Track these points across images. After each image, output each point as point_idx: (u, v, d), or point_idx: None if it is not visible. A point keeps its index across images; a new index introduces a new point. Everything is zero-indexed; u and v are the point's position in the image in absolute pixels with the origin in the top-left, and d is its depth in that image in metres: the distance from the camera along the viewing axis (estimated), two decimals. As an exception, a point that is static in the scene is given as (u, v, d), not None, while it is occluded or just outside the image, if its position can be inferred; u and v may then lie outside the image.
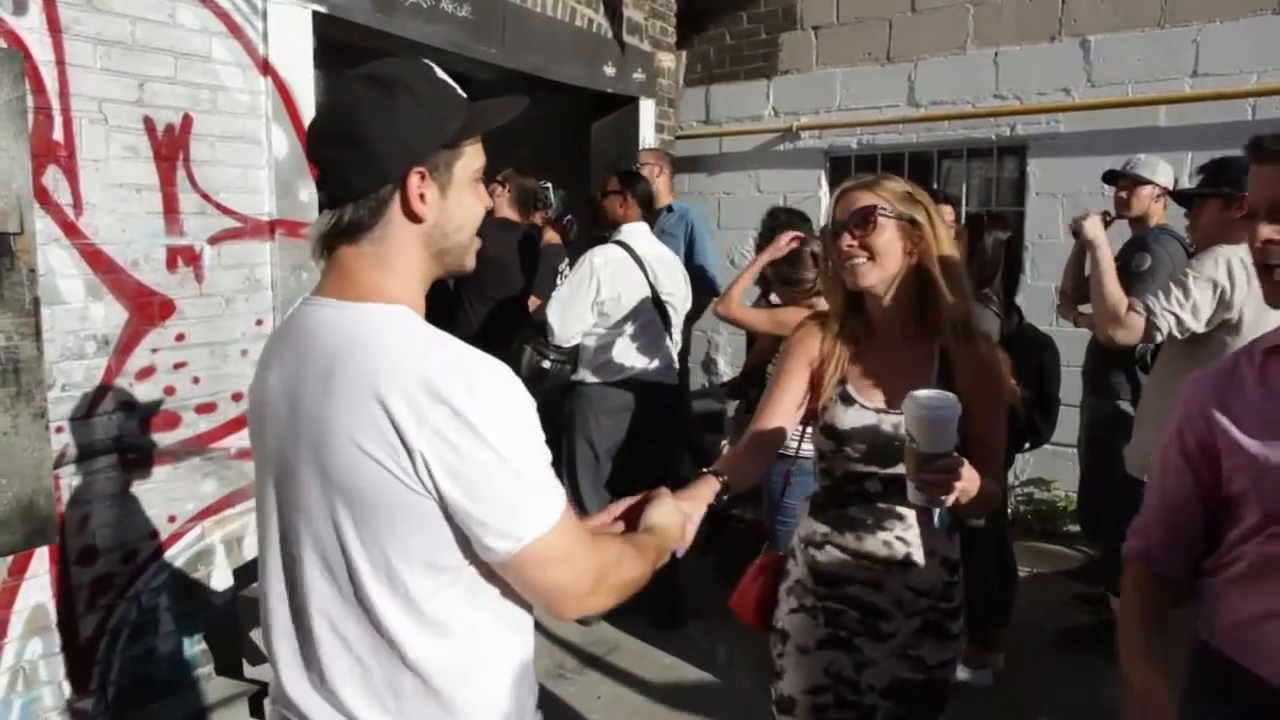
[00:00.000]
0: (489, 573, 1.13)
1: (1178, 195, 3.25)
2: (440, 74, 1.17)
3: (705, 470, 1.79)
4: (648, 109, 5.72)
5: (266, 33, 3.22)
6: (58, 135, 2.67)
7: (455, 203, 1.17)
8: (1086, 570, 4.36)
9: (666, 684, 3.44)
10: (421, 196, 1.12)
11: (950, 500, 1.53)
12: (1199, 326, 2.62)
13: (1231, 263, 2.57)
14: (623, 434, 3.80)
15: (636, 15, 5.60)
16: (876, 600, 1.80)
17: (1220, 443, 1.38)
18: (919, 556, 1.80)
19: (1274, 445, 1.30)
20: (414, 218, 1.13)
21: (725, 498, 1.74)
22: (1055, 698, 3.30)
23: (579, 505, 3.82)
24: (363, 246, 1.14)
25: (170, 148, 2.96)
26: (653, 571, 1.30)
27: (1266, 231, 1.32)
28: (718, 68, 6.33)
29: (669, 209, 4.76)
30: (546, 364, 3.70)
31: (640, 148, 5.54)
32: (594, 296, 3.67)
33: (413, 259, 1.16)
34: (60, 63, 2.66)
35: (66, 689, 2.79)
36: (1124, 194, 3.59)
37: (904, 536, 1.80)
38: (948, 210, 4.39)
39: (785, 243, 3.22)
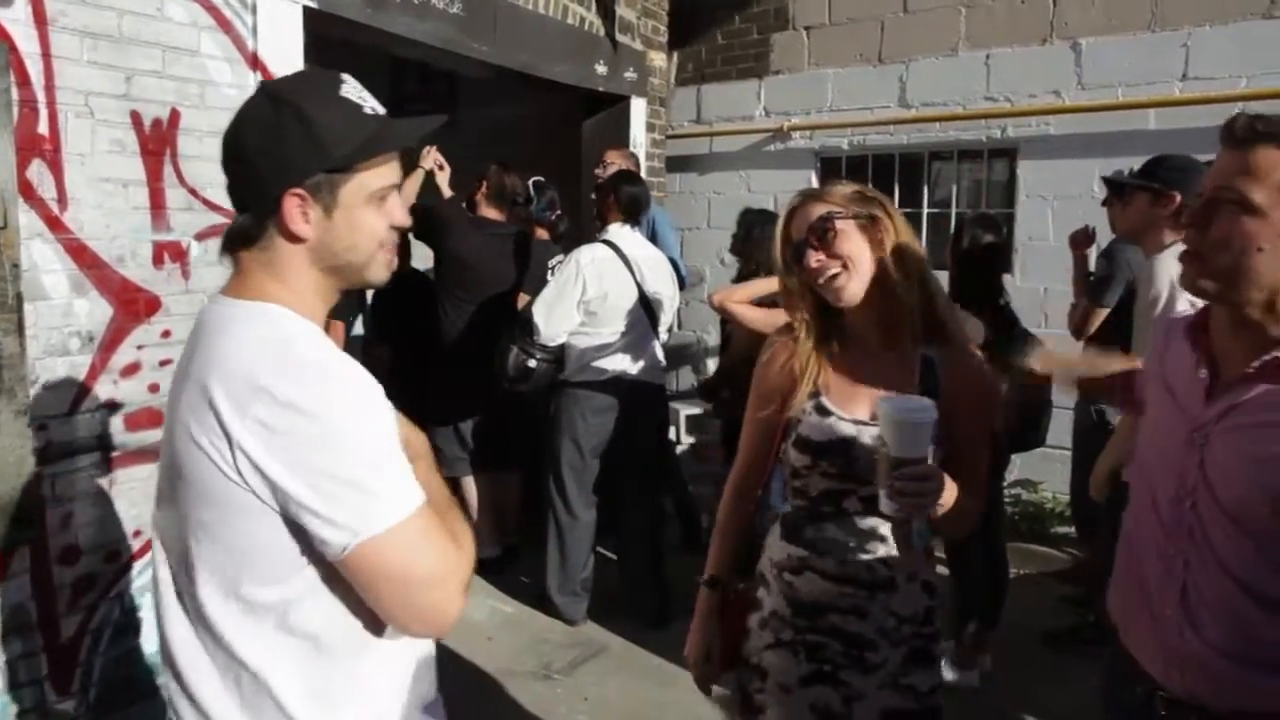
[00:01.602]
0: (334, 574, 1.10)
1: (1110, 183, 3.31)
2: (347, 91, 1.16)
3: (701, 582, 1.84)
4: (639, 108, 5.70)
5: (256, 27, 3.19)
6: (43, 129, 2.63)
7: (343, 224, 1.15)
8: (1073, 572, 4.37)
9: (654, 685, 3.43)
10: (305, 216, 1.13)
11: (925, 512, 1.47)
12: None
13: (1174, 277, 2.45)
14: (609, 434, 3.78)
15: (629, 14, 5.58)
16: (861, 630, 1.68)
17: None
18: (901, 581, 1.70)
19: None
20: (293, 237, 1.14)
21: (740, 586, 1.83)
22: (1041, 699, 3.30)
23: (565, 506, 3.81)
24: (254, 253, 1.16)
25: (157, 142, 2.93)
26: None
27: (1191, 216, 1.32)
28: (709, 67, 6.32)
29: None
30: (532, 363, 3.69)
31: (630, 146, 5.53)
32: (580, 295, 3.66)
33: (301, 273, 1.17)
34: (46, 55, 2.62)
35: (48, 690, 2.75)
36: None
37: (887, 559, 1.69)
38: None
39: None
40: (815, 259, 1.63)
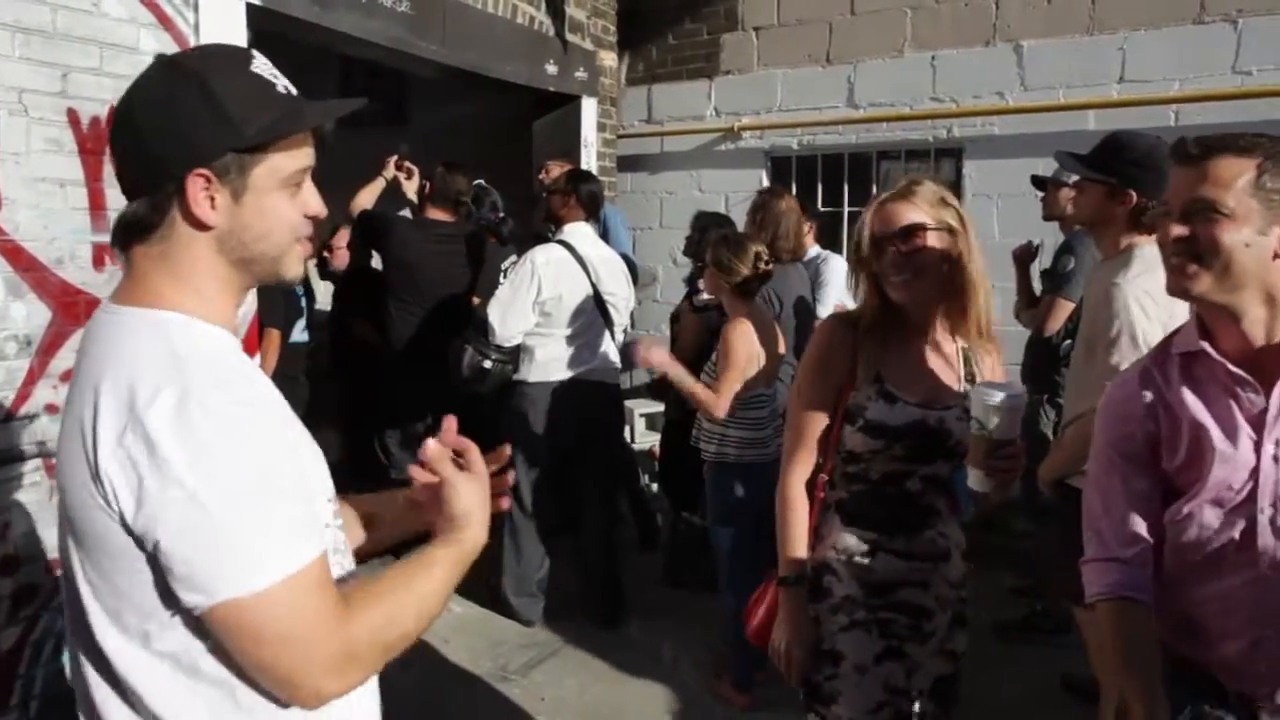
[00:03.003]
0: None
1: (1043, 175, 3.52)
2: (257, 67, 1.05)
3: (781, 581, 1.87)
4: (589, 108, 5.70)
5: (198, 25, 3.13)
6: (-26, 127, 2.56)
7: (253, 210, 1.03)
8: (1022, 562, 4.46)
9: (611, 684, 3.43)
10: (212, 201, 1.00)
11: (1011, 488, 1.63)
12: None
13: (1136, 308, 2.30)
14: (564, 434, 3.78)
15: (579, 14, 5.58)
16: (924, 601, 1.82)
17: (1179, 436, 1.46)
18: (953, 551, 1.86)
19: (1224, 439, 1.41)
20: (198, 224, 1.01)
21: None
22: (991, 689, 3.37)
23: (520, 507, 3.79)
24: (152, 246, 1.03)
25: (96, 141, 2.86)
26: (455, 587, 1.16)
27: (1177, 230, 1.40)
28: (660, 67, 6.34)
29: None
30: (488, 364, 3.68)
31: (581, 146, 5.53)
32: (535, 296, 3.65)
33: (205, 266, 1.04)
34: (-24, 51, 2.55)
35: (-14, 704, 2.68)
36: (1047, 197, 3.75)
37: (944, 531, 1.84)
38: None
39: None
40: (895, 260, 1.74)
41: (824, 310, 4.10)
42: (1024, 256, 3.91)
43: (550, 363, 3.75)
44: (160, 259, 1.03)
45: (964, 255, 1.75)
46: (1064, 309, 3.49)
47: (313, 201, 1.09)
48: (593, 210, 3.88)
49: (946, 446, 1.80)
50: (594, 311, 3.78)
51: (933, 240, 1.74)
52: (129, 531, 0.92)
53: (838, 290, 4.32)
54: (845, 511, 1.85)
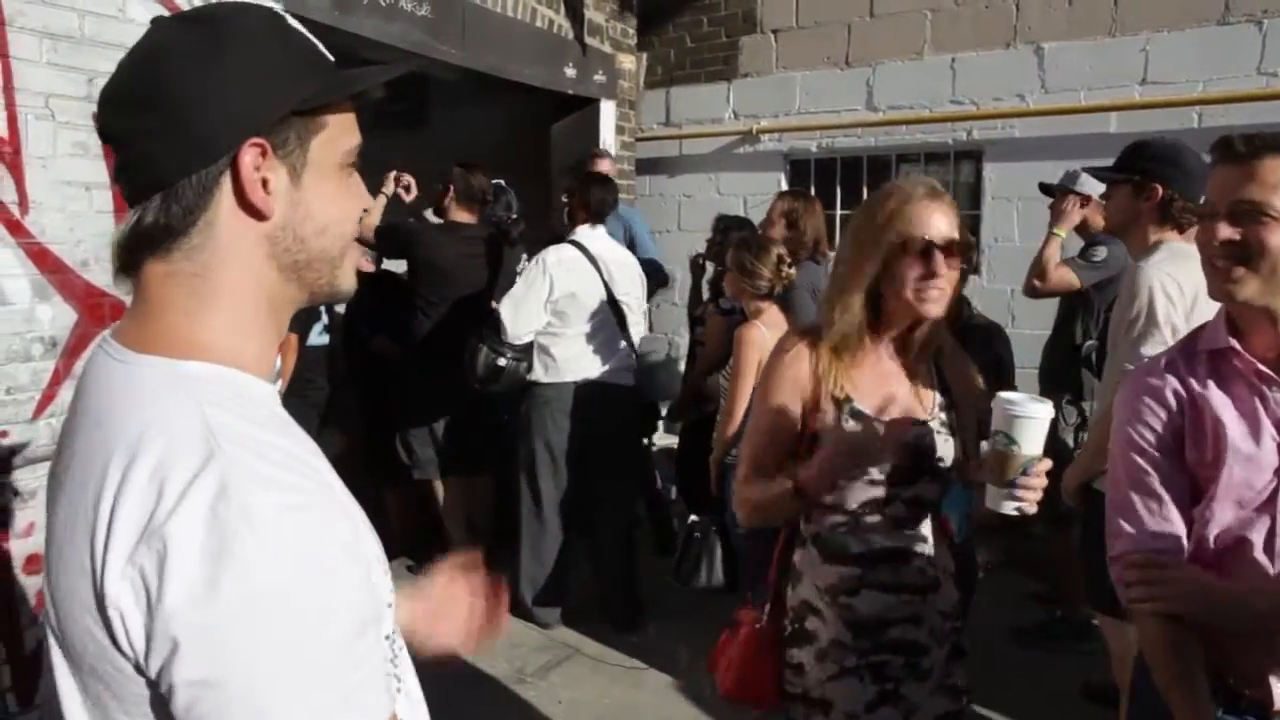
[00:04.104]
0: None
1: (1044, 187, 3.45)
2: (294, 23, 0.85)
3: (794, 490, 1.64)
4: (608, 110, 5.71)
5: (220, 29, 3.16)
6: (2, 131, 2.59)
7: (314, 193, 0.82)
8: (1041, 567, 4.43)
9: (628, 687, 3.43)
10: (264, 183, 0.78)
11: (1035, 507, 1.48)
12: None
13: (1159, 290, 2.35)
14: (579, 436, 3.79)
15: (597, 17, 5.59)
16: (917, 637, 1.68)
17: (1202, 432, 1.42)
18: (943, 578, 1.72)
19: (1248, 438, 1.38)
20: (253, 212, 0.79)
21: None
22: (1009, 695, 3.34)
23: (537, 509, 3.80)
24: (175, 263, 0.78)
25: (120, 145, 2.89)
26: None
27: (1225, 232, 1.35)
28: (678, 70, 6.34)
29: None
30: (501, 362, 3.71)
31: (599, 148, 5.53)
32: (547, 295, 3.68)
33: (251, 281, 0.81)
34: (4, 56, 2.58)
35: (10, 702, 2.70)
36: (1055, 204, 3.72)
37: (932, 559, 1.69)
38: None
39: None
40: (943, 270, 1.57)
41: None
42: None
43: (564, 363, 3.76)
44: (189, 280, 0.79)
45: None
46: (1068, 278, 3.44)
47: (363, 192, 0.89)
48: (597, 215, 3.88)
49: (929, 465, 1.65)
50: (607, 312, 3.79)
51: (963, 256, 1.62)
52: (141, 672, 0.70)
53: None
54: (823, 547, 1.69)
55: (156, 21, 0.80)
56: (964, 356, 1.78)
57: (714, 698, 3.32)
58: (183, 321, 0.79)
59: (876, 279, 1.61)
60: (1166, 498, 1.43)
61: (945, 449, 1.66)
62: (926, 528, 1.70)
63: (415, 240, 4.18)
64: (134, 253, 0.79)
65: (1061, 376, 3.69)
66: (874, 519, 1.66)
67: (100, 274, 2.86)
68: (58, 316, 2.76)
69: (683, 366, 5.32)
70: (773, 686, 1.76)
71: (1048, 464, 1.47)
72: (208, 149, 0.76)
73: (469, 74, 4.61)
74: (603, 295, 3.76)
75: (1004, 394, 1.48)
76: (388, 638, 0.85)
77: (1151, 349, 2.26)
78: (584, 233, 3.84)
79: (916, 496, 1.66)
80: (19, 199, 2.64)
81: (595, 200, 3.86)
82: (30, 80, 2.64)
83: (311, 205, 0.82)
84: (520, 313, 3.67)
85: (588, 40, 5.42)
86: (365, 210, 0.91)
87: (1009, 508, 1.48)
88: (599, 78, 5.56)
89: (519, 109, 5.62)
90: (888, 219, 1.60)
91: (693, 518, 3.68)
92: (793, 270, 3.20)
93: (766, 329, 3.13)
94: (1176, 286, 2.25)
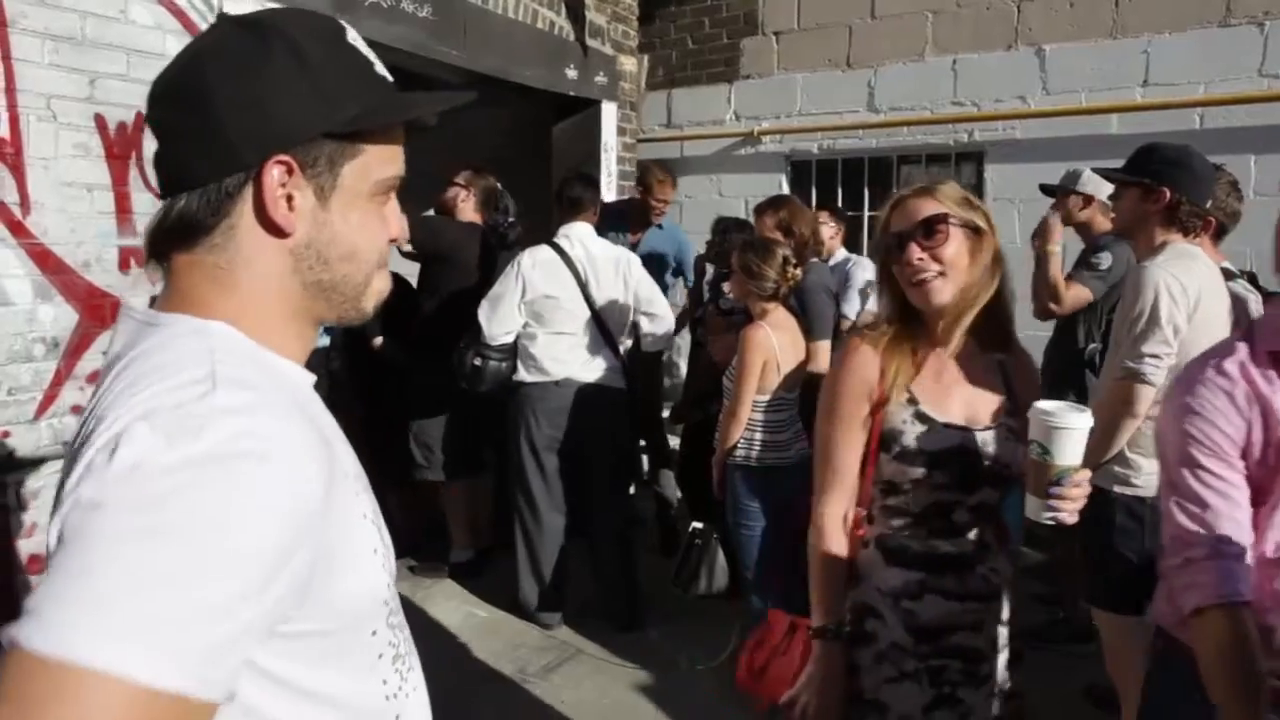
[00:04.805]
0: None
1: (1045, 189, 3.47)
2: (353, 39, 0.84)
3: (816, 634, 1.64)
4: (610, 112, 5.71)
5: (222, 30, 3.16)
6: (4, 132, 2.60)
7: (340, 218, 0.82)
8: (1044, 569, 4.42)
9: (630, 687, 3.43)
10: (289, 200, 0.79)
11: (1075, 516, 1.47)
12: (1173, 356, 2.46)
13: (1163, 290, 2.36)
14: (563, 436, 3.78)
15: (599, 18, 5.60)
16: (978, 643, 1.66)
17: (1270, 434, 1.37)
18: (1005, 586, 1.71)
19: None
20: (273, 227, 0.79)
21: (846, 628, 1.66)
22: (1013, 696, 3.34)
23: (531, 510, 3.81)
24: (199, 255, 0.80)
25: (123, 146, 2.90)
26: None
27: None
28: (680, 72, 6.35)
29: (659, 226, 4.85)
30: (478, 361, 3.76)
31: (601, 150, 5.54)
32: (520, 297, 3.71)
33: (274, 289, 0.81)
34: (6, 57, 2.59)
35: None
36: (1057, 205, 3.73)
37: (996, 567, 1.68)
38: (829, 218, 4.57)
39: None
40: (917, 255, 1.59)
41: (849, 309, 4.27)
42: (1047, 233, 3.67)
43: (544, 363, 3.77)
44: (212, 270, 0.80)
45: (992, 259, 1.62)
46: (1083, 294, 3.45)
47: (395, 223, 0.88)
48: (570, 213, 3.88)
49: (992, 471, 1.63)
50: (587, 313, 3.78)
51: (957, 237, 1.59)
52: None
53: (858, 291, 4.42)
54: (886, 549, 1.66)
55: (217, 20, 0.82)
56: (1030, 362, 1.78)
57: (715, 697, 3.33)
58: (208, 298, 0.79)
59: (894, 278, 1.66)
60: (1235, 503, 1.38)
61: (1011, 456, 1.63)
62: (990, 535, 1.68)
63: (452, 238, 4.19)
64: (163, 242, 0.81)
65: (1064, 379, 3.70)
66: (938, 524, 1.64)
67: (101, 274, 2.87)
68: (59, 317, 2.77)
69: (684, 367, 5.32)
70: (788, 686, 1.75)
71: (1086, 474, 1.46)
72: (235, 158, 0.77)
73: (470, 76, 4.61)
74: (579, 296, 3.76)
75: (1040, 403, 1.46)
76: (388, 629, 0.85)
77: (1152, 348, 2.27)
78: (564, 231, 3.86)
79: (980, 503, 1.64)
80: (21, 200, 2.65)
81: (569, 198, 3.89)
82: (32, 81, 2.65)
83: (338, 229, 0.82)
84: (496, 314, 3.72)
85: (589, 42, 5.43)
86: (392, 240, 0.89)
87: (1044, 517, 1.47)
88: (600, 79, 5.56)
89: (520, 111, 5.63)
90: (883, 222, 1.67)
91: (694, 525, 3.69)
92: (798, 270, 3.21)
93: (772, 330, 3.13)
94: (1180, 287, 2.27)
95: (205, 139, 0.76)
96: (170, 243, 0.80)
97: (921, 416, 1.61)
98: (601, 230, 4.43)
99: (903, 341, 1.66)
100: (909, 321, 1.67)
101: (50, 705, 0.58)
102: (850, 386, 1.66)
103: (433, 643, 3.63)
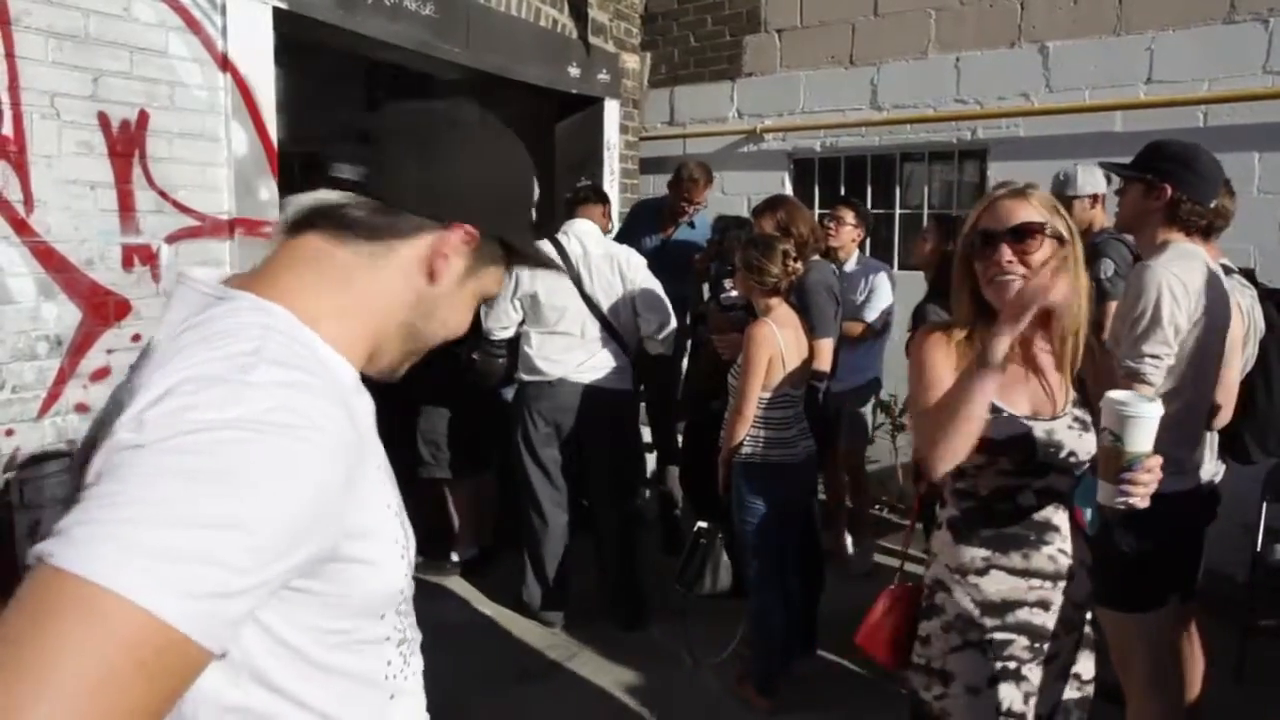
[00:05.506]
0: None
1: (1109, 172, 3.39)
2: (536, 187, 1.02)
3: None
4: (612, 110, 5.71)
5: (225, 28, 3.16)
6: (7, 130, 2.60)
7: (460, 296, 0.95)
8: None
9: (633, 687, 3.43)
10: (445, 258, 0.90)
11: (1146, 500, 1.54)
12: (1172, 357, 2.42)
13: (1165, 290, 2.32)
14: (563, 436, 3.79)
15: (601, 16, 5.59)
16: (1045, 621, 1.73)
17: None
18: (1078, 569, 1.76)
19: None
20: (425, 269, 0.90)
21: None
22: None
23: (535, 509, 3.81)
24: (337, 247, 0.87)
25: (126, 144, 2.90)
26: None
27: None
28: (682, 69, 6.34)
29: (691, 224, 4.85)
30: (476, 355, 3.83)
31: (604, 148, 5.53)
32: (513, 292, 3.74)
33: (381, 306, 0.90)
34: (10, 55, 2.59)
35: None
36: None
37: (1064, 549, 1.75)
38: (849, 213, 4.55)
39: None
40: (1007, 258, 1.66)
41: (869, 315, 4.42)
42: None
43: (537, 362, 3.78)
44: (330, 268, 0.87)
45: (1072, 267, 1.68)
46: (1111, 309, 3.45)
47: (468, 320, 1.01)
48: (575, 208, 3.97)
49: (1059, 459, 1.71)
50: (584, 311, 3.78)
51: (1047, 245, 1.67)
52: None
53: (883, 300, 4.50)
54: (956, 528, 1.78)
55: (470, 107, 0.96)
56: (1105, 355, 1.84)
57: (718, 696, 3.33)
58: (294, 285, 0.85)
59: (973, 276, 1.74)
60: None
61: (1078, 444, 1.71)
62: (1059, 518, 1.75)
63: None
64: (309, 222, 0.87)
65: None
66: (1004, 506, 1.73)
67: (104, 272, 2.87)
68: (63, 315, 2.77)
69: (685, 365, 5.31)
70: (890, 648, 1.92)
71: (1157, 460, 1.53)
72: (448, 208, 0.89)
73: (472, 73, 4.61)
74: (574, 294, 3.76)
75: (1112, 393, 1.54)
76: (396, 615, 0.91)
77: (1152, 348, 2.26)
78: (566, 228, 3.89)
79: (1048, 487, 1.73)
80: (24, 197, 2.65)
81: (572, 196, 4.00)
82: (35, 79, 2.65)
83: (454, 302, 0.94)
84: (492, 310, 3.76)
85: (591, 40, 5.42)
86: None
87: (1117, 502, 1.55)
88: (603, 77, 5.56)
89: (522, 108, 5.62)
90: (972, 220, 1.74)
91: (699, 524, 3.69)
92: (799, 264, 3.23)
93: (777, 327, 3.13)
94: (1182, 287, 2.26)
95: (421, 181, 0.88)
96: (320, 224, 0.87)
97: (991, 406, 1.66)
98: (636, 227, 4.44)
99: (975, 339, 1.73)
100: (981, 319, 1.74)
101: (62, 617, 0.60)
102: (928, 374, 1.73)
103: (436, 640, 3.62)
